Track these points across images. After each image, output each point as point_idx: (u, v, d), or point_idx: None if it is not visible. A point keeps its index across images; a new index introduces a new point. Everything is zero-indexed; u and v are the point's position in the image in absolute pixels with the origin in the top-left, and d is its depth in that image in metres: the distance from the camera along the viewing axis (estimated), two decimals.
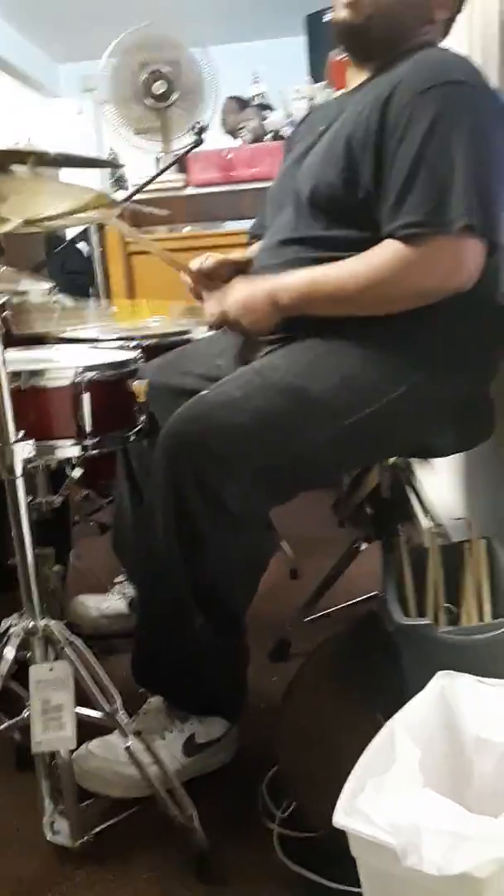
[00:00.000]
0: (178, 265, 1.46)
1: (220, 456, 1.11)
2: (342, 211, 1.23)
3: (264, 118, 3.43)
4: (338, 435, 1.19)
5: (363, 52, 1.32)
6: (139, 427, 1.23)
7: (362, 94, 1.27)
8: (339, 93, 1.43)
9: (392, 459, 1.55)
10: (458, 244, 1.12)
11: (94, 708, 1.02)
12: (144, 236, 1.43)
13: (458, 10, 1.33)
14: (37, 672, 0.99)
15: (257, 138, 3.30)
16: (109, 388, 1.17)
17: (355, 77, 1.35)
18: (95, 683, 1.01)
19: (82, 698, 1.02)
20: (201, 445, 1.11)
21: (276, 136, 3.20)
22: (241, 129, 3.69)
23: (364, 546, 1.62)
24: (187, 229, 2.98)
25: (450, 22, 1.34)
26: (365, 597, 1.64)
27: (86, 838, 1.06)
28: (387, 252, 1.15)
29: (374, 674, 1.11)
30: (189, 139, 2.70)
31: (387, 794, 0.72)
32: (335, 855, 0.76)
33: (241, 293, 1.27)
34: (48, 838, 1.07)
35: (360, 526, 1.71)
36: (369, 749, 0.79)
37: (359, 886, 0.76)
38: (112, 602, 1.69)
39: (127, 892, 1.05)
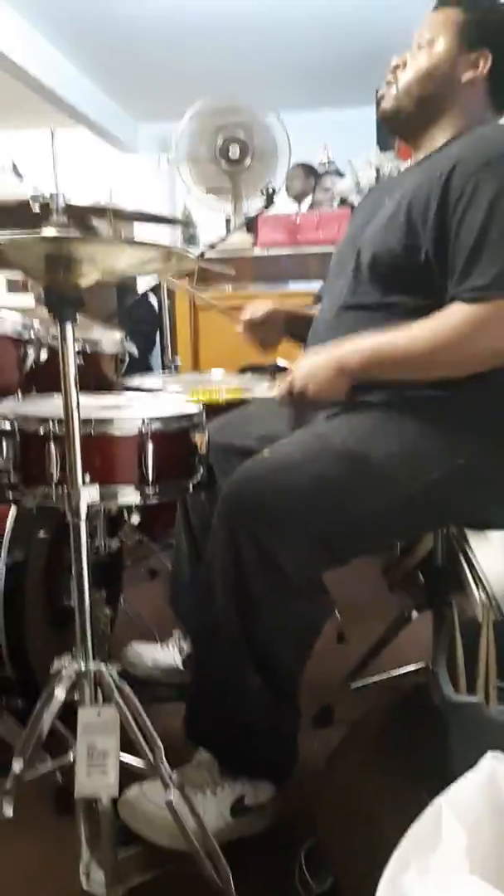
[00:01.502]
0: (229, 314, 1.53)
1: (278, 519, 1.12)
2: (401, 277, 1.26)
3: (333, 185, 3.52)
4: (395, 503, 1.20)
5: (409, 133, 1.40)
6: (199, 479, 1.25)
7: (421, 170, 1.32)
8: (405, 164, 1.48)
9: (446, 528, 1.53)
10: None
11: (137, 755, 1.02)
12: (199, 292, 1.53)
13: (502, 74, 1.34)
14: (85, 715, 0.99)
15: (314, 204, 3.39)
16: (173, 438, 1.19)
17: (416, 154, 1.41)
18: (141, 731, 1.01)
19: (126, 745, 1.02)
20: (258, 508, 1.12)
21: (343, 203, 3.28)
22: (307, 195, 3.80)
23: (415, 615, 1.60)
24: (252, 288, 3.06)
25: (501, 95, 1.37)
26: (413, 667, 1.61)
27: (121, 892, 1.05)
28: (454, 315, 1.17)
29: (420, 749, 1.09)
30: (259, 202, 2.78)
31: (431, 878, 0.70)
32: None
33: (307, 361, 1.28)
34: (83, 886, 1.06)
35: (411, 593, 1.68)
36: (414, 828, 0.77)
37: None
38: (167, 654, 1.69)
39: None
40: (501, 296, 1.13)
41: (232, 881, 1.04)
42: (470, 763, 0.87)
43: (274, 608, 1.13)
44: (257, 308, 1.56)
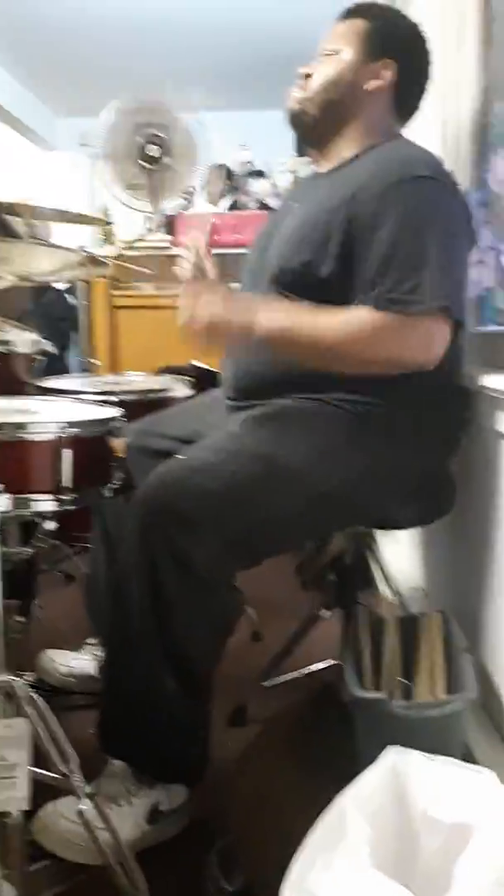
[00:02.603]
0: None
1: (192, 521, 1.14)
2: (305, 290, 1.28)
3: (249, 187, 3.55)
4: (304, 504, 1.23)
5: (315, 140, 1.43)
6: (116, 484, 1.25)
7: (329, 183, 1.36)
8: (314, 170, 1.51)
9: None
10: (431, 323, 1.19)
11: (49, 768, 1.02)
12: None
13: (406, 84, 1.39)
14: None
15: (241, 206, 3.41)
16: (91, 444, 1.19)
17: (323, 163, 1.44)
18: (54, 743, 1.01)
19: (39, 757, 1.01)
20: (173, 511, 1.14)
21: (262, 206, 3.31)
22: (223, 196, 3.81)
23: (326, 613, 1.64)
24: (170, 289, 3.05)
25: (405, 106, 1.42)
26: (324, 665, 1.66)
27: None
28: (361, 316, 1.21)
29: (330, 745, 1.13)
30: (178, 201, 2.78)
31: (335, 874, 0.73)
32: None
33: (221, 305, 1.24)
34: None
35: (322, 591, 1.73)
36: (319, 824, 0.80)
37: None
38: (82, 662, 1.67)
39: None
40: (404, 312, 1.18)
41: (146, 890, 1.04)
42: (375, 757, 0.91)
43: (187, 609, 1.15)
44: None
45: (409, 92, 1.41)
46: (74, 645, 1.74)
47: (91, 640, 1.71)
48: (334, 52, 1.37)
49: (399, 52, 1.37)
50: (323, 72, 1.38)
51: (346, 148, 1.39)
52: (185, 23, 4.41)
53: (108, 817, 1.06)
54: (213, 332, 1.23)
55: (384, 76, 1.37)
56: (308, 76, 1.39)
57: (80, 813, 1.02)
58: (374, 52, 1.36)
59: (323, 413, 1.27)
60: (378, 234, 1.21)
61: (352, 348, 1.21)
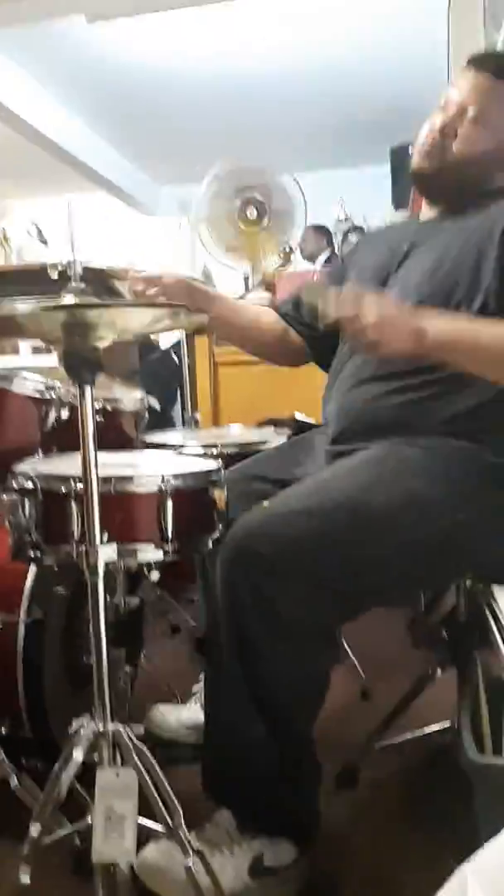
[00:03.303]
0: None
1: (274, 566, 1.11)
2: None
3: (352, 240, 3.60)
4: (397, 552, 1.19)
5: (440, 195, 1.41)
6: (218, 534, 1.25)
7: (457, 226, 1.34)
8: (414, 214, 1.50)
9: (469, 582, 1.51)
10: None
11: (155, 818, 1.00)
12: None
13: None
14: (103, 777, 0.98)
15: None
16: (192, 495, 1.20)
17: (431, 208, 1.43)
18: (159, 794, 1.00)
19: (144, 807, 1.00)
20: (256, 556, 1.12)
21: None
22: (320, 253, 3.88)
23: (440, 672, 1.56)
24: None
25: None
26: (439, 727, 1.57)
27: None
28: None
29: (446, 813, 1.06)
30: (276, 261, 2.85)
31: None
32: None
33: (390, 306, 1.18)
34: None
35: (435, 649, 1.66)
36: None
37: None
38: (192, 713, 1.66)
39: None
40: None
41: None
42: (497, 828, 0.84)
43: (273, 655, 1.12)
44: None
45: None
46: (184, 695, 1.72)
47: (197, 689, 1.70)
48: (482, 115, 1.31)
49: None
50: (473, 134, 1.32)
51: (467, 196, 1.37)
52: (277, 85, 4.59)
53: (212, 869, 1.02)
54: (382, 331, 1.13)
55: None
56: (445, 131, 1.33)
57: (187, 868, 0.99)
58: None
59: (424, 458, 1.23)
60: None
61: None
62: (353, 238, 3.86)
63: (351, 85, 4.56)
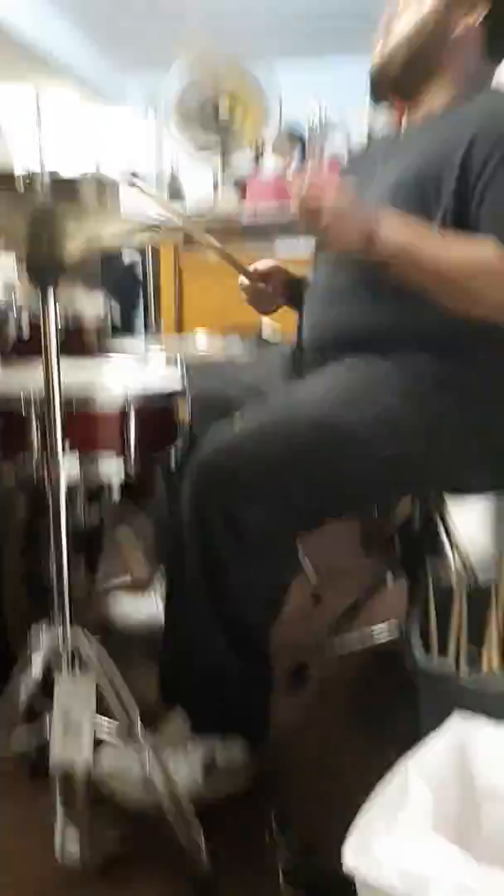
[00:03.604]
0: (238, 265, 1.48)
1: (246, 486, 1.13)
2: None
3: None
4: (369, 469, 1.20)
5: (402, 91, 1.35)
6: (179, 446, 1.26)
7: (424, 135, 1.30)
8: (394, 125, 1.44)
9: None
10: None
11: (112, 718, 1.04)
12: (209, 238, 1.47)
13: (499, 19, 1.28)
14: (61, 684, 1.01)
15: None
16: (154, 410, 1.19)
17: (408, 117, 1.38)
18: (116, 695, 1.03)
19: (101, 707, 1.04)
20: (225, 475, 1.13)
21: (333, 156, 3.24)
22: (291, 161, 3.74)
23: (391, 579, 1.62)
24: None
25: (497, 46, 1.31)
26: (388, 630, 1.64)
27: (97, 861, 1.07)
28: (490, 250, 1.14)
29: (391, 711, 1.12)
30: (248, 156, 2.74)
31: (397, 839, 0.73)
32: (341, 890, 0.77)
33: (348, 201, 1.16)
34: (57, 857, 1.06)
35: (387, 558, 1.71)
36: (382, 788, 0.80)
37: None
38: (151, 603, 1.70)
39: None
40: None
41: (203, 844, 1.06)
42: (438, 725, 0.89)
43: (239, 570, 1.15)
44: (261, 263, 1.53)
45: (501, 33, 1.30)
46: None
47: (160, 582, 1.73)
48: None
49: None
50: (406, 19, 1.30)
51: (434, 99, 1.32)
52: None
53: (166, 767, 1.08)
54: (334, 220, 1.13)
55: (473, 17, 1.27)
56: (392, 19, 1.31)
57: (141, 763, 1.04)
58: None
59: (392, 374, 1.23)
60: (499, 188, 1.16)
61: (480, 285, 1.15)
62: (321, 146, 3.73)
63: None
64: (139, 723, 1.05)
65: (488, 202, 1.17)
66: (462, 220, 1.20)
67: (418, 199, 1.22)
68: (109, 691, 1.03)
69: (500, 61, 1.35)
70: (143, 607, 1.71)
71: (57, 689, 1.00)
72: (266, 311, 1.60)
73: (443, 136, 1.24)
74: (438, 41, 1.28)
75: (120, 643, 1.40)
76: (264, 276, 1.51)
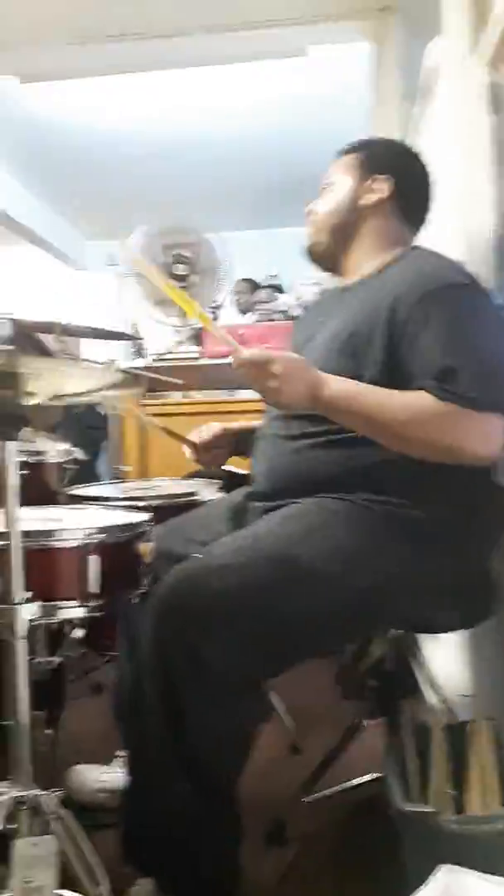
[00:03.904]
0: (179, 438, 1.57)
1: (205, 620, 1.11)
2: None
3: (275, 299, 3.70)
4: (330, 606, 1.20)
5: (333, 264, 1.52)
6: (144, 590, 1.24)
7: (358, 296, 1.40)
8: (338, 284, 1.57)
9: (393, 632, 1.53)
10: (492, 418, 1.19)
11: (78, 890, 0.96)
12: (148, 417, 1.56)
13: (405, 193, 1.46)
14: (21, 847, 0.94)
15: (268, 318, 3.55)
16: (117, 550, 1.19)
17: (346, 281, 1.51)
18: (82, 863, 0.96)
19: (67, 877, 0.96)
20: (186, 609, 1.12)
21: (287, 317, 3.44)
22: (254, 306, 3.97)
23: (367, 722, 1.57)
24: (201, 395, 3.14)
25: (411, 215, 1.49)
26: (368, 777, 1.57)
27: None
28: (427, 401, 1.20)
29: (375, 864, 1.05)
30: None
31: None
32: None
33: (293, 359, 1.22)
34: None
35: (363, 700, 1.66)
36: None
37: None
38: (113, 776, 1.60)
39: None
40: (468, 405, 1.18)
41: None
42: (425, 875, 0.84)
43: (202, 712, 1.11)
44: (206, 430, 1.61)
45: (410, 200, 1.48)
46: (105, 758, 1.67)
47: (121, 752, 1.65)
48: (331, 185, 1.50)
49: (391, 167, 1.47)
50: (324, 203, 1.50)
51: (364, 264, 1.46)
52: (204, 149, 4.73)
53: None
54: (282, 380, 1.18)
55: (380, 190, 1.46)
56: (311, 211, 1.51)
57: None
58: (368, 173, 1.47)
59: (349, 513, 1.26)
60: (425, 339, 1.24)
61: (415, 429, 1.21)
62: (269, 295, 3.98)
63: (272, 152, 4.76)
64: (107, 893, 0.97)
65: (415, 356, 1.25)
66: (393, 374, 1.27)
67: (351, 355, 1.31)
68: (75, 857, 0.95)
69: (415, 225, 1.51)
70: (105, 777, 1.61)
71: (16, 853, 0.93)
72: (214, 468, 1.69)
73: (372, 299, 1.35)
74: (350, 215, 1.46)
75: (83, 812, 1.32)
76: (208, 445, 1.59)
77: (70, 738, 1.73)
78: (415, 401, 1.21)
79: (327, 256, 1.51)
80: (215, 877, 1.16)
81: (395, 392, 1.23)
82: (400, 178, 1.46)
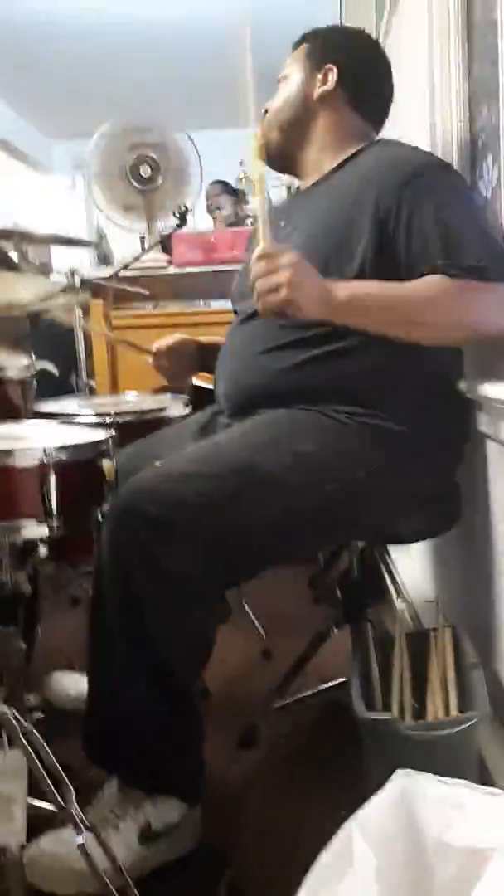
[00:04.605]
0: (138, 349, 1.56)
1: (162, 523, 1.11)
2: None
3: (247, 202, 3.56)
4: (287, 514, 1.19)
5: (288, 163, 1.46)
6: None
7: (323, 193, 1.36)
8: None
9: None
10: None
11: (46, 800, 0.99)
12: (104, 328, 1.53)
13: (355, 82, 1.40)
14: None
15: (235, 223, 3.42)
16: (77, 468, 1.17)
17: (307, 180, 1.46)
18: (49, 775, 0.98)
19: (35, 789, 0.98)
20: (143, 515, 1.11)
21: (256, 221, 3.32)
22: (236, 215, 3.82)
23: (336, 630, 1.60)
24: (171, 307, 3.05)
25: (366, 105, 1.42)
26: (336, 683, 1.61)
27: None
28: (439, 283, 1.17)
29: (339, 768, 1.09)
30: (173, 221, 2.79)
31: None
32: None
33: (306, 270, 1.14)
34: None
35: (333, 606, 1.69)
36: (324, 854, 0.77)
37: None
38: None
39: None
40: (482, 277, 1.16)
41: None
42: (384, 780, 0.86)
43: (160, 615, 1.12)
44: (165, 339, 1.58)
45: (362, 89, 1.42)
46: (83, 667, 1.70)
47: None
48: (284, 79, 1.44)
49: (339, 55, 1.40)
50: (276, 99, 1.45)
51: (323, 160, 1.41)
52: (175, 38, 4.46)
53: (108, 845, 1.02)
54: (294, 292, 1.11)
55: (328, 80, 1.40)
56: (267, 110, 1.45)
57: (81, 846, 0.98)
58: (316, 64, 1.41)
59: (317, 422, 1.24)
60: (421, 219, 1.21)
61: (436, 313, 1.18)
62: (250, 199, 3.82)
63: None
64: (74, 800, 0.99)
65: (413, 238, 1.21)
66: (382, 267, 1.23)
67: (335, 255, 1.26)
68: (41, 770, 0.97)
69: (372, 117, 1.45)
70: (83, 684, 1.65)
71: None
72: (179, 382, 1.68)
73: (343, 195, 1.30)
74: (301, 109, 1.41)
75: (60, 721, 1.35)
76: (170, 351, 1.57)
77: (48, 650, 1.76)
78: (430, 285, 1.18)
79: (282, 156, 1.45)
80: (178, 769, 1.20)
81: (401, 284, 1.20)
82: (346, 65, 1.40)
